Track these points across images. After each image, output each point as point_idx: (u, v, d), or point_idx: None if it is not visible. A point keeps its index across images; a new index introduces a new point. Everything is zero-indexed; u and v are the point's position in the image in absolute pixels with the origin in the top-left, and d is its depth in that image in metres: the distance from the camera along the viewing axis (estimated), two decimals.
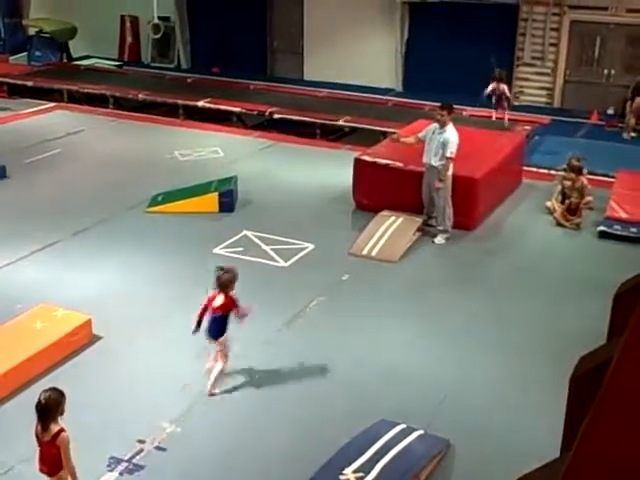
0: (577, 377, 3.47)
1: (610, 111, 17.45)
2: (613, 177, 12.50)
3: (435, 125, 10.31)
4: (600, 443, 2.54)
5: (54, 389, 5.18)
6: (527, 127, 15.32)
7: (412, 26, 19.46)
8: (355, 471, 5.77)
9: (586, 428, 2.58)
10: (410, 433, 6.26)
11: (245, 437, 6.51)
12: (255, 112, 16.78)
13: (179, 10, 21.89)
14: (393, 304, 8.79)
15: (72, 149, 14.27)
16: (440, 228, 10.51)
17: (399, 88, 19.73)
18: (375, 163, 11.32)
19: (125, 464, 6.11)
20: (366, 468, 5.80)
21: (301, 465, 5.99)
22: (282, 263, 9.67)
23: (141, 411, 6.75)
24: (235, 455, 6.30)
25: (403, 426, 6.36)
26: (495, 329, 8.28)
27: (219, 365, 6.94)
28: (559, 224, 11.09)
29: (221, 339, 6.90)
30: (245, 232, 10.55)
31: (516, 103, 16.93)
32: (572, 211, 11.12)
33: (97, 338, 7.85)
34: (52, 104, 17.60)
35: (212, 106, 17.04)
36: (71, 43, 22.21)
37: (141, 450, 6.26)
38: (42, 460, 5.21)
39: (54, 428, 5.06)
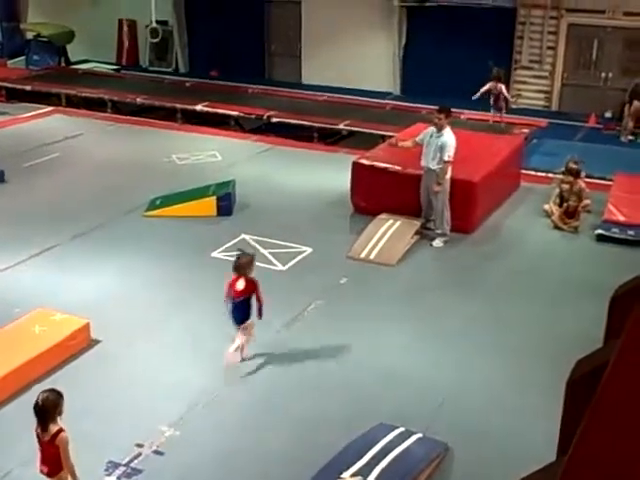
0: (573, 381, 3.47)
1: (608, 114, 17.49)
2: (611, 180, 12.51)
3: (432, 129, 10.32)
4: (596, 447, 2.54)
5: (52, 390, 5.21)
6: (525, 130, 15.35)
7: (410, 30, 19.50)
8: (353, 474, 5.77)
9: (582, 432, 2.58)
10: (408, 436, 6.27)
11: (243, 440, 6.51)
12: (253, 116, 16.78)
13: (177, 14, 21.92)
14: (391, 307, 8.80)
15: (70, 153, 14.27)
16: (438, 231, 10.52)
17: (397, 92, 19.77)
18: (373, 166, 11.34)
19: (123, 468, 6.10)
20: (364, 471, 5.80)
21: (299, 468, 5.99)
22: (280, 267, 9.68)
23: (139, 415, 6.75)
24: (233, 459, 6.29)
25: (401, 429, 6.36)
26: (493, 332, 8.29)
27: (243, 339, 7.24)
28: (557, 227, 11.11)
29: (245, 324, 7.17)
30: (243, 236, 10.56)
31: (514, 106, 16.95)
32: (570, 214, 11.13)
33: (95, 342, 7.85)
34: (50, 108, 17.61)
35: (210, 110, 17.04)
36: (69, 47, 22.22)
37: (139, 454, 6.26)
38: (43, 460, 5.23)
39: (53, 428, 5.09)
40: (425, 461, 6.05)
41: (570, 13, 17.72)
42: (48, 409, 5.06)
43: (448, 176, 10.23)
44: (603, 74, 17.91)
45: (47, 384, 6.74)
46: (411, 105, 17.55)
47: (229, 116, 16.92)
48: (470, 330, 8.31)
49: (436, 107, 10.53)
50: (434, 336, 8.22)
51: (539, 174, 13.39)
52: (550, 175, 12.82)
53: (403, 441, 6.19)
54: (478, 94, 14.82)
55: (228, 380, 7.28)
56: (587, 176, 11.95)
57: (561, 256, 10.37)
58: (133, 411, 6.80)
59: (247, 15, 21.02)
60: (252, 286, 7.10)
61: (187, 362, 7.59)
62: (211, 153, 14.38)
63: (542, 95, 18.52)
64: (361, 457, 5.95)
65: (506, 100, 15.27)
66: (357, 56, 19.76)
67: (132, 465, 6.14)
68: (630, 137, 16.18)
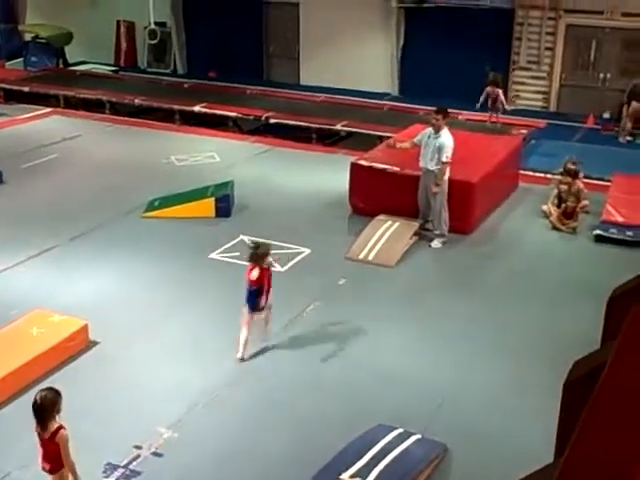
0: (571, 382, 3.48)
1: (606, 115, 17.48)
2: (609, 181, 12.52)
3: (430, 129, 10.33)
4: (592, 448, 2.55)
5: (50, 389, 5.26)
6: (523, 131, 15.37)
7: (408, 31, 19.51)
8: (352, 476, 5.77)
9: (579, 433, 2.58)
10: (407, 437, 6.27)
11: (242, 442, 6.50)
12: (251, 117, 16.78)
13: (175, 15, 21.93)
14: (390, 308, 8.80)
15: (68, 154, 14.26)
16: (437, 232, 10.53)
17: (395, 92, 19.77)
18: (371, 167, 11.33)
19: (121, 470, 6.09)
20: (363, 472, 5.80)
21: (299, 469, 5.99)
22: (279, 268, 9.66)
23: (137, 416, 6.74)
24: (232, 460, 6.29)
25: (400, 430, 6.36)
26: (492, 333, 8.29)
27: (267, 317, 7.78)
28: (555, 228, 11.11)
29: (261, 315, 7.64)
30: (242, 237, 10.55)
31: (512, 107, 16.96)
32: (568, 215, 11.14)
33: (94, 343, 7.84)
34: (48, 109, 17.59)
35: (208, 111, 17.05)
36: (67, 48, 22.21)
37: (138, 456, 6.25)
38: (44, 457, 5.26)
39: (53, 426, 5.12)
40: (424, 462, 6.05)
41: (568, 14, 17.73)
42: (46, 407, 5.10)
43: (446, 177, 10.24)
44: (601, 75, 17.93)
45: (45, 386, 6.74)
46: (409, 106, 17.56)
47: (227, 117, 16.92)
48: (469, 331, 8.31)
49: (434, 108, 10.53)
50: (433, 337, 8.22)
51: (537, 175, 13.40)
52: (548, 176, 12.82)
53: (402, 442, 6.19)
54: (479, 104, 14.85)
55: (227, 381, 7.28)
56: (585, 177, 11.96)
57: (559, 257, 10.37)
58: (131, 412, 6.80)
59: (245, 16, 21.02)
60: (264, 278, 7.51)
61: (186, 363, 7.59)
62: (209, 154, 14.38)
63: (540, 96, 18.53)
64: (360, 458, 5.94)
65: (502, 104, 15.26)
66: (355, 57, 19.76)
67: (131, 467, 6.13)
68: (628, 138, 16.20)
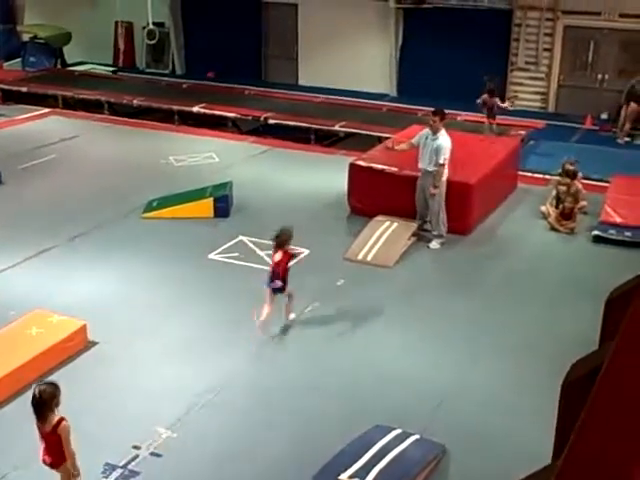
0: (569, 383, 3.48)
1: (604, 116, 17.51)
2: (607, 182, 12.53)
3: (427, 131, 10.34)
4: (591, 449, 2.55)
5: (48, 382, 5.32)
6: (522, 132, 15.38)
7: (406, 32, 19.52)
8: (351, 476, 5.77)
9: (577, 434, 2.59)
10: (406, 438, 6.27)
11: (241, 442, 6.51)
12: (250, 117, 16.80)
13: (174, 16, 21.93)
14: (388, 309, 8.80)
15: (67, 155, 14.26)
16: (435, 233, 10.54)
17: (393, 93, 19.78)
18: (370, 168, 11.34)
19: (120, 470, 6.10)
20: (362, 473, 5.80)
21: (297, 470, 6.00)
22: None
23: (136, 416, 6.75)
24: (231, 460, 6.30)
25: (399, 431, 6.37)
26: (491, 333, 8.29)
27: (290, 300, 8.18)
28: (553, 229, 11.12)
29: (286, 291, 8.04)
30: (240, 237, 10.56)
31: (510, 108, 16.96)
32: (566, 215, 11.15)
33: (92, 344, 7.84)
34: (47, 110, 17.58)
35: (207, 111, 17.06)
36: (66, 49, 22.20)
37: (136, 456, 6.25)
38: (46, 451, 5.31)
39: (53, 418, 5.17)
40: (422, 463, 6.05)
41: (566, 15, 17.75)
42: (46, 401, 5.15)
43: (444, 178, 10.25)
44: (599, 76, 17.95)
45: None
46: (407, 107, 17.57)
47: (226, 118, 16.93)
48: (468, 331, 8.31)
49: (432, 109, 10.54)
50: (431, 337, 8.23)
51: (536, 175, 13.41)
52: (547, 176, 12.84)
53: (400, 443, 6.19)
54: (479, 100, 14.83)
55: (226, 381, 7.28)
56: (584, 177, 11.98)
57: (558, 257, 10.39)
58: (130, 413, 6.80)
59: (244, 17, 21.03)
60: (287, 258, 8.02)
61: (185, 364, 7.59)
62: (208, 155, 14.38)
63: (538, 97, 18.55)
64: (358, 459, 5.95)
65: (500, 108, 15.16)
66: (354, 58, 19.77)
67: (129, 467, 6.13)
68: (627, 138, 16.21)
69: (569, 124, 17.11)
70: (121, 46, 22.83)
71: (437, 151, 10.06)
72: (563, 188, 11.35)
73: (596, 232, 10.76)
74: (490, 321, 8.57)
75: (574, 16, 17.66)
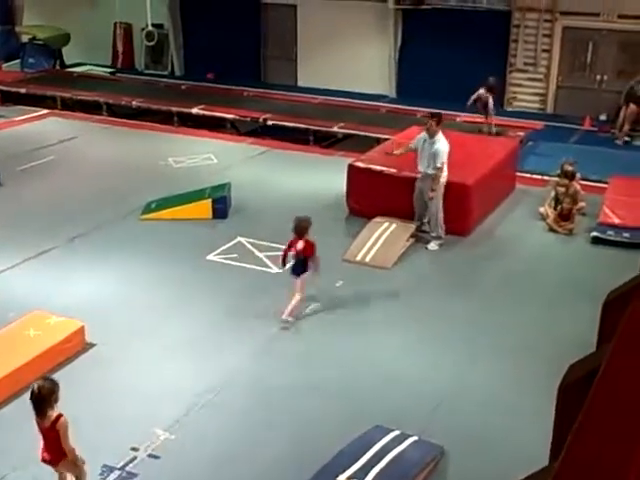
0: (566, 385, 3.48)
1: (602, 117, 17.51)
2: (606, 183, 12.53)
3: (425, 134, 10.35)
4: (587, 451, 2.55)
5: (47, 379, 5.35)
6: (520, 133, 15.40)
7: (405, 33, 19.53)
8: (350, 477, 5.77)
9: (573, 436, 2.59)
10: (404, 439, 6.27)
11: (240, 443, 6.50)
12: (249, 119, 16.81)
13: (173, 17, 21.92)
14: (387, 310, 8.81)
15: (66, 156, 14.26)
16: (433, 234, 10.54)
17: (392, 94, 19.78)
18: (369, 169, 11.34)
19: (118, 472, 6.10)
20: (360, 475, 5.80)
21: (295, 471, 6.00)
22: (276, 270, 9.67)
23: (134, 418, 6.74)
24: (229, 462, 6.29)
25: (397, 432, 6.37)
26: (489, 334, 8.30)
27: (298, 296, 8.30)
28: (552, 230, 11.12)
29: (303, 276, 8.32)
30: (239, 238, 10.56)
31: (509, 109, 16.99)
32: (564, 217, 11.15)
33: (90, 345, 7.84)
34: (45, 111, 17.59)
35: (206, 113, 17.07)
36: (64, 50, 22.20)
37: (134, 458, 6.25)
38: (45, 448, 5.32)
39: (52, 414, 5.19)
40: (421, 464, 6.05)
41: (565, 16, 17.75)
42: (44, 397, 5.17)
43: (443, 181, 10.26)
44: (598, 77, 17.95)
45: None
46: (406, 108, 17.58)
47: (225, 119, 16.94)
48: (467, 332, 8.32)
49: (431, 110, 10.55)
50: (430, 338, 8.23)
51: (534, 176, 13.41)
52: (546, 178, 12.84)
53: (399, 444, 6.20)
54: (468, 103, 14.83)
55: (224, 382, 7.28)
56: (582, 178, 11.97)
57: (557, 259, 10.39)
58: (128, 414, 6.79)
59: (243, 18, 21.03)
60: (310, 247, 8.30)
61: (183, 365, 7.59)
62: (207, 156, 14.38)
63: (537, 98, 18.56)
64: (357, 460, 5.95)
65: (490, 109, 15.14)
66: (353, 59, 19.77)
67: (127, 469, 6.13)
68: (626, 139, 16.22)
69: (568, 125, 17.10)
70: (120, 47, 22.80)
71: (434, 155, 10.06)
72: (562, 189, 11.35)
73: (594, 233, 10.76)
74: (489, 322, 8.57)
75: (573, 17, 17.66)
